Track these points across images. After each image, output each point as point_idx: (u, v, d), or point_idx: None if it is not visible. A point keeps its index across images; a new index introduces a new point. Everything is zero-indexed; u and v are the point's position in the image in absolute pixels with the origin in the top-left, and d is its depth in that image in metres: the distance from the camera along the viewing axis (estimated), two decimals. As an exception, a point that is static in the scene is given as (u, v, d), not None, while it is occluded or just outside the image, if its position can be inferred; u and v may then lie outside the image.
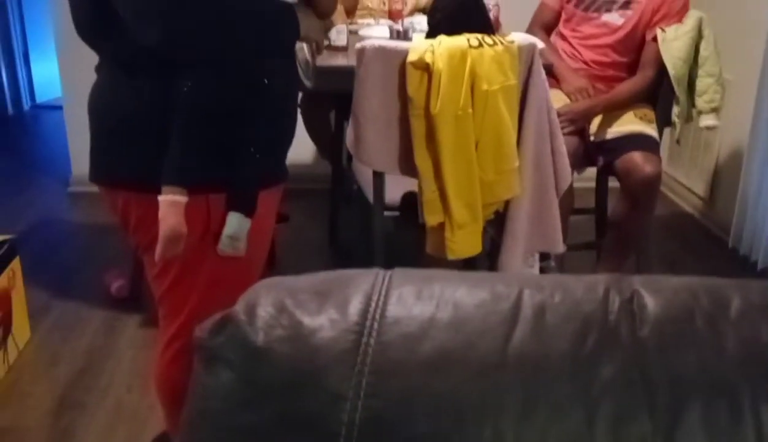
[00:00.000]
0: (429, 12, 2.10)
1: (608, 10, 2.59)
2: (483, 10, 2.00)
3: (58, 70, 3.67)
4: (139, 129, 1.38)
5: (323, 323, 0.76)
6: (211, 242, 1.41)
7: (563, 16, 2.73)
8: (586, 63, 2.65)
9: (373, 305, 0.78)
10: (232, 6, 1.32)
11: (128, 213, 1.44)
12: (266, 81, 1.38)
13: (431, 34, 2.00)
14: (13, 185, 3.91)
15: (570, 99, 2.57)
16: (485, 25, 1.97)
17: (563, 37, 2.72)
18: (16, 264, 2.43)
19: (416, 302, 0.78)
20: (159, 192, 1.34)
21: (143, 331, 2.52)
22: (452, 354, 0.75)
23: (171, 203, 1.34)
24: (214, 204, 1.39)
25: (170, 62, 1.32)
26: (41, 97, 5.37)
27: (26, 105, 5.34)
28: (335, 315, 0.76)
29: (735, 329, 0.75)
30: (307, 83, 1.60)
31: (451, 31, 1.93)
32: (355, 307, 0.77)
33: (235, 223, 1.40)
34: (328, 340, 0.75)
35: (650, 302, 0.77)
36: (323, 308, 0.77)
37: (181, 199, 1.34)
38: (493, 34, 1.98)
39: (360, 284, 0.81)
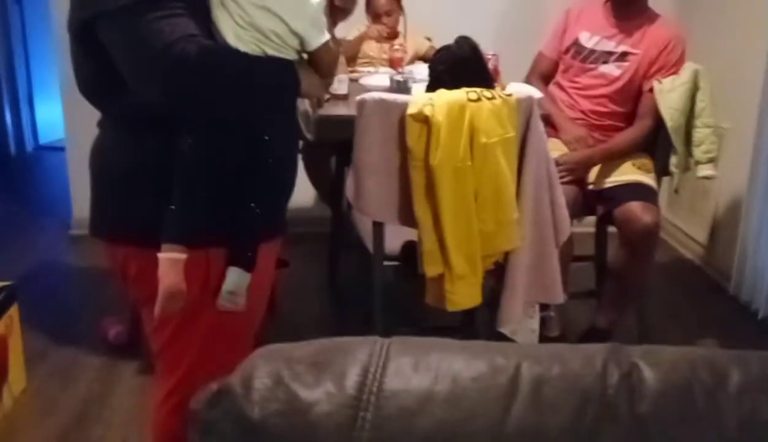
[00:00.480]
0: (430, 65, 2.12)
1: (605, 62, 2.62)
2: (483, 64, 2.02)
3: (62, 112, 3.70)
4: (141, 185, 1.39)
5: (320, 396, 0.75)
6: (209, 297, 1.41)
7: (561, 67, 2.76)
8: (584, 113, 2.68)
9: (370, 377, 0.77)
10: (231, 66, 1.33)
11: (128, 267, 1.44)
12: (267, 137, 1.40)
13: (432, 86, 2.02)
14: (14, 227, 3.92)
15: (569, 148, 2.59)
16: (485, 78, 1.99)
17: (561, 88, 2.74)
18: (14, 311, 2.42)
19: (414, 374, 0.78)
20: (159, 248, 1.35)
21: (140, 378, 2.50)
22: (450, 429, 0.74)
23: (171, 261, 1.34)
24: (213, 259, 1.40)
25: (171, 120, 1.34)
26: (44, 138, 5.40)
27: (29, 146, 5.38)
28: (332, 388, 0.76)
29: (734, 405, 0.75)
30: (308, 136, 1.61)
31: (452, 84, 1.95)
32: (352, 380, 0.77)
33: (234, 278, 1.40)
34: (324, 415, 0.74)
35: (649, 376, 0.77)
36: (320, 380, 0.77)
37: (181, 256, 1.34)
38: (493, 87, 2.00)
39: (357, 355, 0.81)
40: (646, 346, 0.83)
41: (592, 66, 2.64)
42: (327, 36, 1.40)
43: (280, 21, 1.34)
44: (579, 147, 2.57)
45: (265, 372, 0.79)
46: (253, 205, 1.40)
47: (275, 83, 1.40)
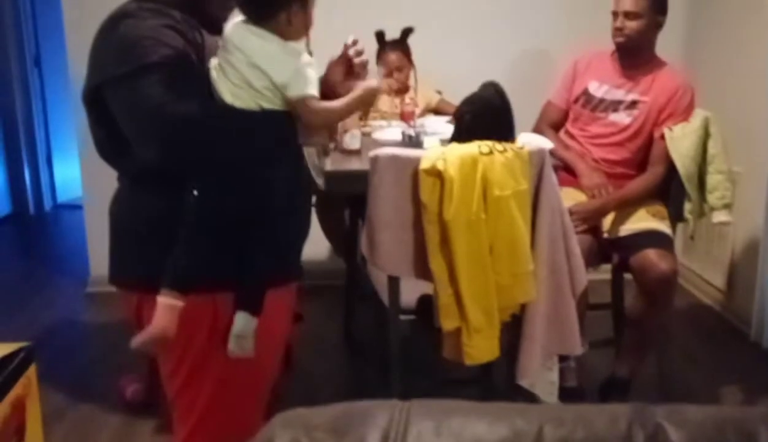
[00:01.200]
0: (455, 115, 2.14)
1: (615, 110, 2.64)
2: (509, 109, 2.04)
3: (80, 171, 3.76)
4: (152, 234, 1.45)
5: (341, 464, 0.75)
6: (219, 342, 1.44)
7: (570, 116, 2.78)
8: (595, 161, 2.69)
9: (391, 442, 0.77)
10: (222, 122, 1.39)
11: (141, 313, 1.49)
12: (269, 186, 1.43)
13: (458, 132, 2.04)
14: (32, 286, 3.95)
15: (587, 196, 2.60)
16: (510, 125, 2.02)
17: (571, 136, 2.76)
18: (32, 372, 2.42)
19: (436, 439, 0.77)
20: (186, 293, 1.40)
21: (158, 437, 2.49)
22: (473, 497, 0.73)
23: (166, 306, 1.39)
24: (221, 303, 1.44)
25: (177, 174, 1.40)
26: (63, 197, 5.48)
27: (48, 205, 5.45)
28: (353, 456, 0.75)
29: (763, 466, 0.74)
30: (319, 183, 1.64)
31: (478, 130, 1.98)
32: (373, 446, 0.76)
33: (241, 322, 1.43)
34: (346, 483, 0.73)
35: (675, 438, 0.76)
36: (341, 447, 0.77)
37: (177, 303, 1.38)
38: (513, 140, 2.03)
39: (377, 420, 0.80)
40: (670, 406, 0.82)
41: (602, 115, 2.66)
42: (310, 91, 1.42)
43: (266, 76, 1.38)
44: (598, 195, 2.57)
45: (285, 439, 0.78)
46: (259, 250, 1.44)
47: (268, 136, 1.44)
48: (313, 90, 1.42)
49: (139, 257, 1.48)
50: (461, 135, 2.01)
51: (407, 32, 3.21)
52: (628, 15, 2.57)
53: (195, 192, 1.39)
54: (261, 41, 1.40)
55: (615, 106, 2.65)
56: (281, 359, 1.68)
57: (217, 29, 1.48)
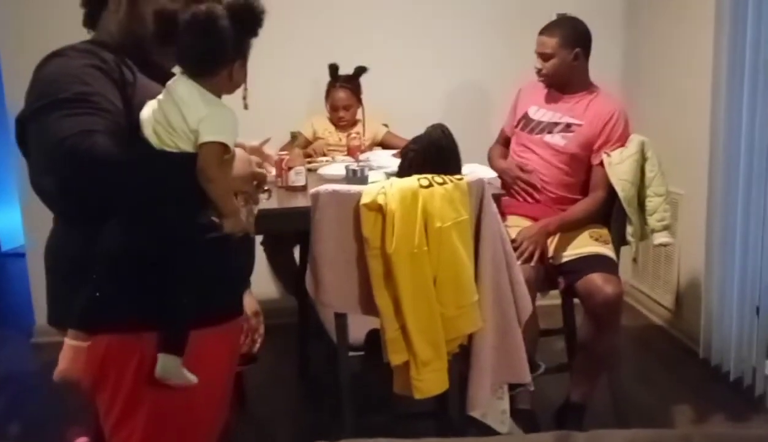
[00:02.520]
0: (402, 153, 2.17)
1: (550, 132, 2.73)
2: (457, 153, 2.08)
3: (21, 218, 3.69)
4: (77, 274, 1.42)
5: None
6: (148, 381, 1.41)
7: (513, 140, 2.86)
8: (539, 188, 2.73)
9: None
10: (121, 159, 1.35)
11: None
12: (172, 224, 1.40)
13: (403, 172, 2.06)
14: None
15: (502, 179, 2.73)
16: (457, 167, 2.05)
17: (515, 156, 2.84)
18: (-28, 429, 2.34)
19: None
20: (98, 333, 1.39)
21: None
22: None
23: (68, 347, 1.38)
24: (147, 343, 1.41)
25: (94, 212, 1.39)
26: (5, 246, 5.35)
27: (-10, 253, 5.31)
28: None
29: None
30: (250, 232, 1.61)
31: (423, 171, 2.00)
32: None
33: (162, 363, 1.41)
34: None
35: (595, 464, 0.76)
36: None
37: (79, 344, 1.36)
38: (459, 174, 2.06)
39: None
40: (591, 432, 0.83)
41: (538, 136, 2.75)
42: (217, 138, 1.39)
43: (182, 116, 1.38)
44: (509, 179, 2.75)
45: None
46: (177, 291, 1.41)
47: (172, 176, 1.40)
48: (221, 138, 1.39)
49: (69, 298, 1.45)
50: (405, 172, 2.03)
51: (360, 71, 3.25)
52: (542, 56, 2.68)
53: (105, 232, 1.38)
54: (188, 84, 1.40)
55: (550, 128, 2.73)
56: (228, 400, 1.65)
57: (160, 77, 1.48)
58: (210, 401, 1.54)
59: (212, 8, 1.41)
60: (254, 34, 1.46)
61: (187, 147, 1.39)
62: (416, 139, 2.12)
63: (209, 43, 1.40)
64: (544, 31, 2.70)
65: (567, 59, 2.66)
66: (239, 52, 1.44)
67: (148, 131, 1.40)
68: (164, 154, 1.39)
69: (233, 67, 1.42)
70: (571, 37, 2.66)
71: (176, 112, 1.38)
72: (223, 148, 1.39)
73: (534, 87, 2.84)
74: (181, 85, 1.41)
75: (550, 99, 2.78)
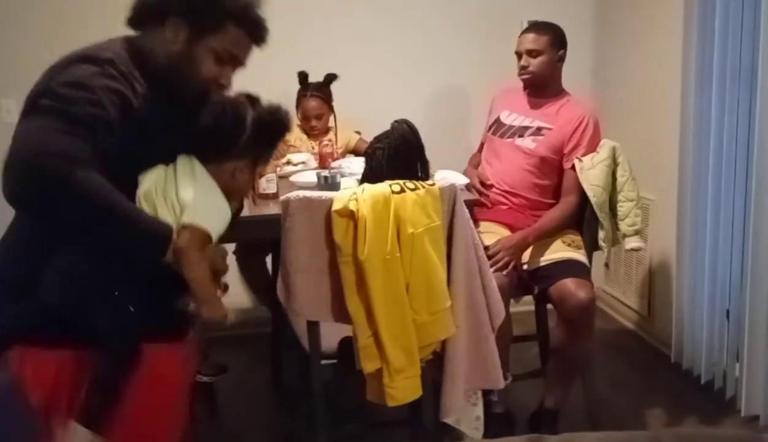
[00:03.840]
0: (367, 152, 2.14)
1: (521, 136, 2.74)
2: (422, 151, 2.06)
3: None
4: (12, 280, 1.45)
5: None
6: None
7: (485, 147, 2.87)
8: (510, 189, 2.74)
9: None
10: (90, 198, 1.33)
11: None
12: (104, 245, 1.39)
13: (369, 170, 2.05)
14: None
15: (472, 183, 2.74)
16: (423, 165, 2.04)
17: (488, 163, 2.84)
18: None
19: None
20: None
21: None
22: None
23: None
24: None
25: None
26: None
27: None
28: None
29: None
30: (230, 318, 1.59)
31: (390, 171, 1.99)
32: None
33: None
34: None
35: (567, 466, 0.75)
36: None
37: None
38: (427, 171, 2.05)
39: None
40: (565, 434, 0.82)
41: (509, 140, 2.77)
42: (204, 225, 1.40)
43: (175, 189, 1.39)
44: (476, 182, 2.76)
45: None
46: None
47: (139, 239, 1.40)
48: (208, 226, 1.40)
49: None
50: (373, 172, 2.01)
51: (331, 79, 3.22)
52: (530, 53, 2.69)
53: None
54: (193, 163, 1.41)
55: (521, 131, 2.75)
56: (185, 413, 1.63)
57: (176, 115, 1.48)
58: (168, 416, 1.52)
59: (241, 103, 1.47)
60: (270, 146, 1.53)
61: (168, 220, 1.38)
62: (381, 137, 2.09)
63: (223, 130, 1.43)
64: (532, 30, 2.73)
65: (553, 59, 2.70)
66: (248, 155, 1.48)
67: (139, 190, 1.39)
68: (143, 215, 1.38)
69: (238, 166, 1.46)
70: (558, 38, 2.72)
71: (172, 183, 1.38)
72: (207, 237, 1.40)
73: (507, 93, 2.87)
74: (187, 160, 1.42)
75: (522, 104, 2.80)
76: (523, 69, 2.72)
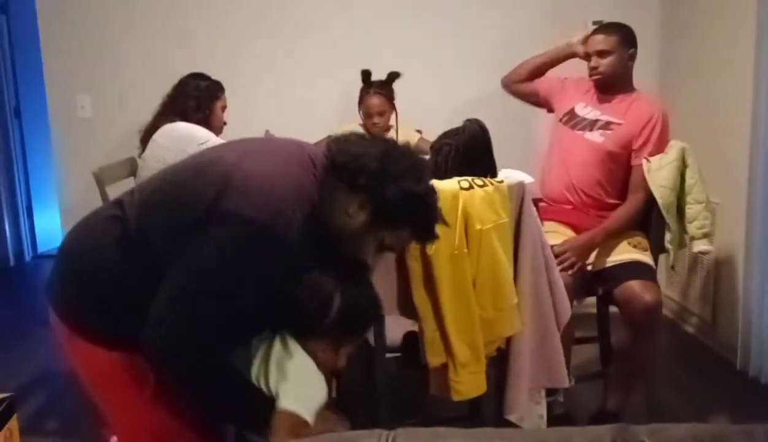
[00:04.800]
0: (434, 147, 2.15)
1: (591, 129, 2.72)
2: (491, 150, 2.08)
3: (60, 221, 3.75)
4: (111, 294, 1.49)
5: (325, 493, 0.74)
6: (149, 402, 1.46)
7: (553, 138, 2.85)
8: (575, 186, 2.72)
9: (376, 471, 0.76)
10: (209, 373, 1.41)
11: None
12: None
13: (437, 169, 2.06)
14: (12, 337, 3.88)
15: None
16: (490, 164, 2.05)
17: (552, 154, 2.83)
18: (13, 423, 2.38)
19: (420, 466, 0.77)
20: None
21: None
22: None
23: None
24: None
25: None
26: (43, 247, 5.44)
27: (28, 255, 5.40)
28: (338, 484, 0.75)
29: (746, 481, 0.74)
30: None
31: (457, 167, 2.00)
32: (357, 475, 0.75)
33: None
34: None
35: (657, 456, 0.76)
36: (325, 476, 0.76)
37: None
38: (495, 175, 2.06)
39: (363, 449, 0.80)
40: (653, 424, 0.82)
41: (579, 132, 2.74)
42: (292, 407, 1.44)
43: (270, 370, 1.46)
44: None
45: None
46: None
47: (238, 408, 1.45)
48: (296, 407, 1.43)
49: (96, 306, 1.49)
50: (437, 167, 2.03)
51: (393, 77, 3.25)
52: (600, 54, 2.67)
53: None
54: (291, 343, 1.49)
55: (591, 125, 2.72)
56: None
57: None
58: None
59: (329, 283, 1.49)
60: (356, 334, 1.56)
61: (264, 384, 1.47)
62: (449, 134, 2.11)
63: (308, 309, 1.48)
64: (600, 30, 2.72)
65: (623, 58, 2.68)
66: (332, 336, 1.51)
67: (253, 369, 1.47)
68: (251, 390, 1.45)
69: (320, 346, 1.51)
70: (628, 37, 2.70)
71: (268, 364, 1.46)
72: (302, 421, 1.42)
73: (579, 84, 2.85)
74: (282, 339, 1.48)
75: (594, 98, 2.78)
76: (593, 70, 2.71)
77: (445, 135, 2.10)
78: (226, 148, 1.59)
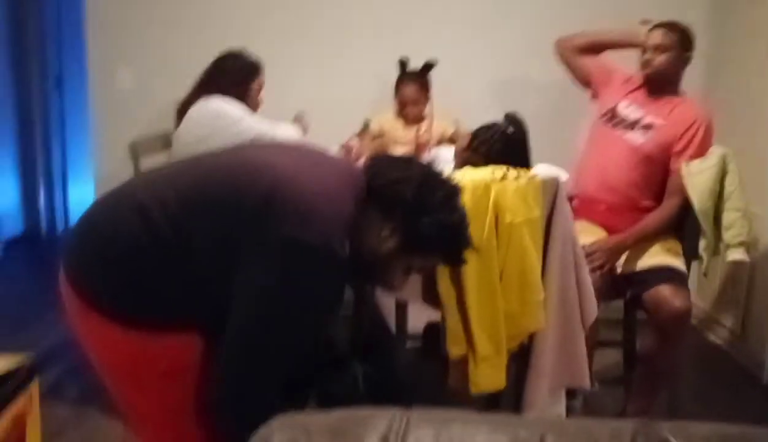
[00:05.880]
0: (473, 137, 2.14)
1: (631, 129, 2.67)
2: (527, 145, 2.05)
3: (94, 193, 3.79)
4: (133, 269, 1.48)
5: (337, 466, 0.73)
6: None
7: (592, 134, 2.81)
8: (611, 187, 2.67)
9: (389, 447, 0.75)
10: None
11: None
12: None
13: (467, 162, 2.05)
14: (39, 305, 3.93)
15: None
16: (525, 160, 2.02)
17: (590, 152, 2.79)
18: (34, 387, 2.40)
19: (434, 446, 0.75)
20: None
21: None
22: (471, 505, 0.71)
23: None
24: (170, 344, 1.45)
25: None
26: (76, 219, 5.49)
27: (60, 227, 5.46)
28: (350, 458, 0.74)
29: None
30: None
31: (492, 161, 1.98)
32: (370, 450, 0.74)
33: None
34: (341, 485, 0.71)
35: (680, 453, 0.73)
36: (338, 450, 0.75)
37: None
38: (529, 167, 2.03)
39: (377, 425, 0.78)
40: (676, 421, 0.80)
41: (618, 132, 2.70)
42: None
43: None
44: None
45: (283, 439, 0.77)
46: None
47: None
48: None
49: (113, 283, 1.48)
50: (471, 158, 2.01)
51: (429, 67, 3.23)
52: (657, 48, 2.63)
53: None
54: None
55: (632, 125, 2.68)
56: None
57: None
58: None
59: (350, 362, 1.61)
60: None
61: None
62: (487, 126, 2.09)
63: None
64: (662, 26, 2.67)
65: (678, 58, 2.65)
66: None
67: None
68: None
69: None
70: (688, 40, 2.67)
71: None
72: None
73: (627, 81, 2.81)
74: None
75: (639, 98, 2.73)
76: (647, 63, 2.66)
77: (483, 128, 2.07)
78: (276, 152, 1.58)
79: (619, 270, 2.56)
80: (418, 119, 3.27)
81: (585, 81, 2.93)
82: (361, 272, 1.51)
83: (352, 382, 1.48)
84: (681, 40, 2.63)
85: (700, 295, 3.68)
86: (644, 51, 2.67)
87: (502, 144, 2.05)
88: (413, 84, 3.22)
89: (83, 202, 4.95)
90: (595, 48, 2.92)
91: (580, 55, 2.93)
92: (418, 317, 2.17)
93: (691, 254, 2.59)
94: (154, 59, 3.62)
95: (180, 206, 1.43)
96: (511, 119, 2.04)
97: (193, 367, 1.47)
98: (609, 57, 2.97)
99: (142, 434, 1.57)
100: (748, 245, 2.55)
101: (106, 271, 1.47)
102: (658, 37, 2.63)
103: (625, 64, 2.87)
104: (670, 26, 2.66)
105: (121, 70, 3.60)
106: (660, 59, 2.63)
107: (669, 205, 2.58)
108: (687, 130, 2.58)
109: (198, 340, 1.47)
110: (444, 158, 2.75)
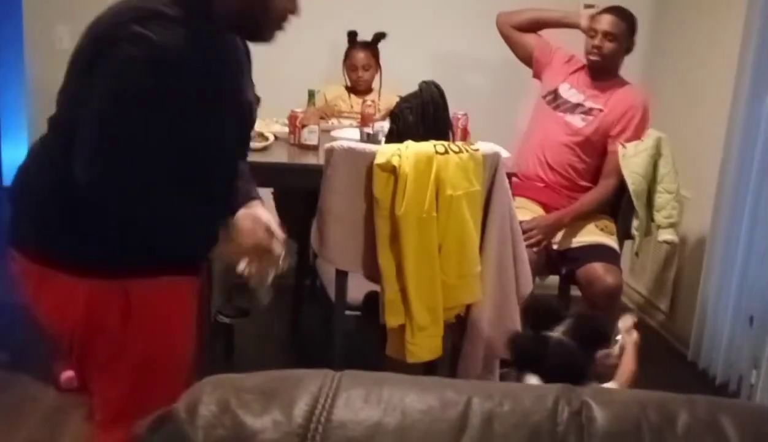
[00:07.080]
0: (393, 112, 2.15)
1: (572, 112, 2.72)
2: (448, 113, 2.07)
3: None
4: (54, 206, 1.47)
5: (266, 424, 0.74)
6: (134, 330, 1.44)
7: (535, 113, 2.86)
8: (549, 165, 2.73)
9: (319, 407, 0.76)
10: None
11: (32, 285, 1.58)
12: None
13: (395, 126, 2.05)
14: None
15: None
16: (446, 128, 2.04)
17: (533, 131, 2.83)
18: (-39, 351, 2.35)
19: (364, 405, 0.77)
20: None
21: (89, 425, 2.41)
22: (397, 461, 0.73)
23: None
24: (134, 291, 1.43)
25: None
26: (9, 181, 5.32)
27: (-6, 187, 5.29)
28: (279, 417, 0.74)
29: (682, 446, 0.75)
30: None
31: (415, 125, 1.99)
32: (300, 409, 0.75)
33: None
34: (270, 442, 0.72)
35: (599, 415, 0.76)
36: (268, 408, 0.75)
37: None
38: (453, 140, 2.05)
39: (308, 385, 0.79)
40: (597, 386, 0.83)
41: (560, 114, 2.75)
42: None
43: None
44: None
45: (212, 399, 0.77)
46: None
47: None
48: None
49: (42, 226, 1.47)
50: (400, 132, 2.02)
51: (379, 37, 3.23)
52: (607, 35, 2.65)
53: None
54: None
55: (573, 108, 2.73)
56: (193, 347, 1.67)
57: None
58: (187, 347, 1.55)
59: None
60: None
61: None
62: (408, 98, 2.10)
63: None
64: (612, 12, 2.68)
65: (625, 47, 2.69)
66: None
67: None
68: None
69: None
70: (634, 28, 2.70)
71: None
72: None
73: (567, 61, 2.84)
74: None
75: (581, 82, 2.78)
76: (595, 49, 2.67)
77: (404, 100, 2.09)
78: None
79: (555, 247, 2.63)
80: (367, 88, 3.27)
81: (526, 58, 2.94)
82: (251, 26, 1.53)
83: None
84: (629, 30, 2.68)
85: (632, 275, 3.80)
86: (592, 36, 2.69)
87: (426, 108, 2.06)
88: (364, 51, 3.23)
89: (17, 162, 4.80)
90: (535, 25, 2.93)
91: (520, 31, 2.94)
92: (359, 287, 2.18)
93: (624, 234, 2.67)
94: (93, 17, 3.51)
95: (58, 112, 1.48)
96: (430, 85, 2.05)
97: (159, 314, 1.47)
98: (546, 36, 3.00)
99: (108, 408, 1.53)
100: (677, 227, 2.64)
101: (43, 220, 1.47)
102: (608, 23, 2.65)
103: (562, 42, 2.91)
104: (620, 13, 2.69)
105: (59, 29, 3.49)
106: (610, 46, 2.66)
107: (605, 186, 2.66)
108: (624, 113, 2.65)
109: (165, 284, 1.47)
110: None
